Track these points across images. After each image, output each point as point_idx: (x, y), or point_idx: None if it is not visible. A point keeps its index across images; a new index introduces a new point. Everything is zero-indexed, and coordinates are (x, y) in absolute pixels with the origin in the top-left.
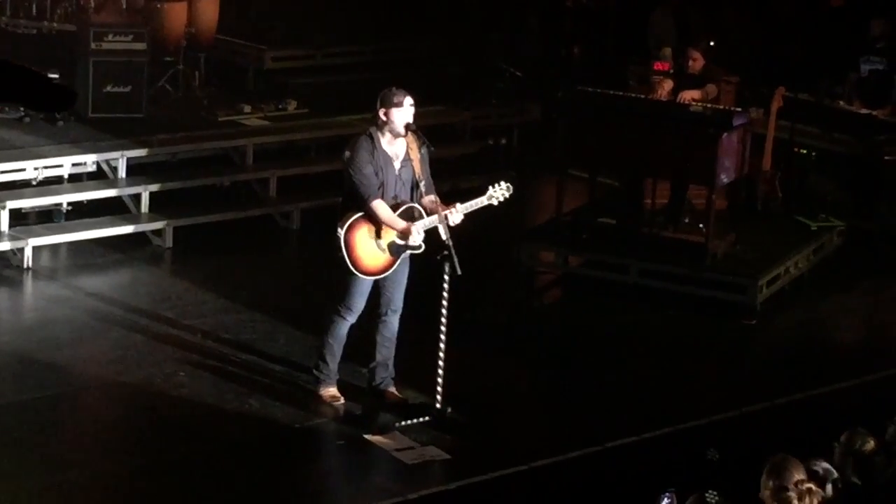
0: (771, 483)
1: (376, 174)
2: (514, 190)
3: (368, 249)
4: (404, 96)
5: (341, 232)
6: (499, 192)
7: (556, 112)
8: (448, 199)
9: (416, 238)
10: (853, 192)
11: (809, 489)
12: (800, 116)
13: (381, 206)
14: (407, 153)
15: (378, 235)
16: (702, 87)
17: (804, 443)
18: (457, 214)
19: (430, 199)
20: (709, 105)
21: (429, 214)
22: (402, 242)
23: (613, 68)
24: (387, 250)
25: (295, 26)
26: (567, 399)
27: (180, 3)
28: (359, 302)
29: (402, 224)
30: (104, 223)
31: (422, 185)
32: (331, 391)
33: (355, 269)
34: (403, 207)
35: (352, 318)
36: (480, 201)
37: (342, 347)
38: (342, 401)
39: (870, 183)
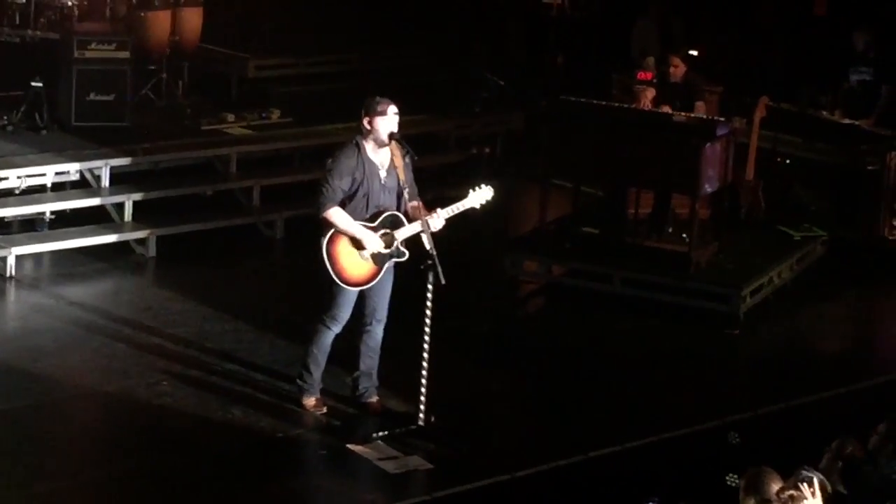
0: (752, 498)
1: (360, 184)
2: (497, 199)
3: (352, 260)
4: (388, 105)
5: (323, 243)
6: (480, 196)
7: (540, 121)
8: (432, 208)
9: (398, 246)
10: (836, 201)
11: (792, 496)
12: (783, 126)
13: (337, 214)
14: (392, 161)
15: (360, 246)
16: (683, 98)
17: (787, 453)
18: (438, 219)
19: (413, 205)
20: (692, 115)
21: (411, 221)
22: (385, 251)
23: (597, 78)
24: (370, 260)
25: (278, 35)
26: (550, 408)
27: (164, 12)
28: (344, 312)
29: (361, 232)
30: (87, 232)
31: (406, 192)
32: (314, 401)
33: (340, 280)
34: (385, 215)
35: (337, 329)
36: (462, 204)
37: (326, 357)
38: (325, 410)
39: (852, 193)
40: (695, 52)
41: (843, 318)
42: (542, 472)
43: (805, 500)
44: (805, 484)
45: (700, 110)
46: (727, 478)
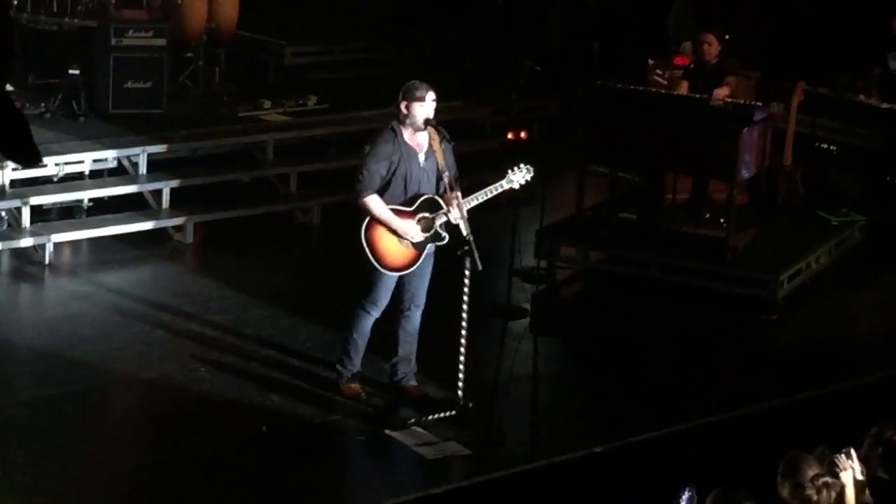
0: (787, 482)
1: (397, 169)
2: (534, 184)
3: (391, 245)
4: (427, 91)
5: (363, 229)
6: (518, 176)
7: (577, 107)
8: (470, 194)
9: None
10: (874, 186)
11: (826, 483)
12: (821, 111)
13: (374, 202)
14: (430, 145)
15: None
16: (720, 82)
17: (825, 438)
18: (476, 201)
19: (448, 194)
20: (730, 100)
21: (450, 204)
22: (425, 236)
23: (634, 63)
24: (410, 245)
25: (315, 21)
26: (588, 395)
27: None
28: (383, 297)
29: (397, 222)
30: (125, 219)
31: (445, 176)
32: (353, 386)
33: (380, 265)
34: (423, 198)
35: (376, 314)
36: (501, 185)
37: (366, 343)
38: (363, 396)
39: (891, 177)
40: (727, 37)
41: (881, 304)
42: (580, 458)
43: (837, 486)
44: (838, 468)
45: (733, 85)
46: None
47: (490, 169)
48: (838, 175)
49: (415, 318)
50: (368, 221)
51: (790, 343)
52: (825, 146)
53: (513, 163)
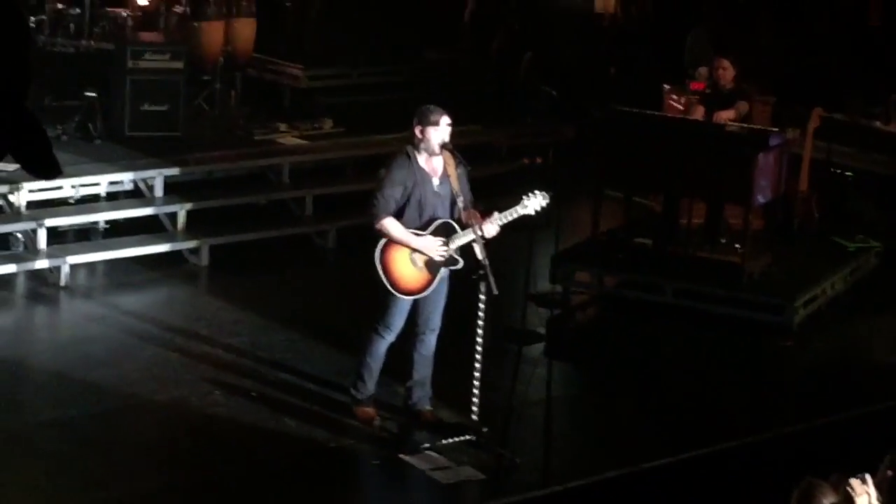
0: None
1: (412, 193)
2: (549, 209)
3: (406, 268)
4: (441, 115)
5: (377, 252)
6: (534, 202)
7: (592, 132)
8: (485, 217)
9: (453, 253)
10: (890, 212)
11: None
12: (837, 137)
13: (391, 225)
14: (445, 170)
15: (415, 254)
16: (733, 105)
17: (841, 465)
18: (492, 226)
19: (467, 213)
20: (745, 125)
21: (465, 229)
22: (440, 259)
23: (649, 88)
24: (424, 268)
25: (331, 46)
26: (603, 420)
27: (217, 23)
28: (398, 321)
29: (416, 241)
30: (141, 241)
31: (459, 200)
32: (367, 410)
33: (395, 289)
34: (438, 223)
35: (391, 338)
36: (516, 210)
37: (380, 367)
38: (377, 421)
39: None
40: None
41: None
42: (594, 483)
43: None
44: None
45: (743, 110)
46: None
47: (506, 194)
48: (854, 201)
49: (430, 341)
50: (384, 245)
51: (805, 369)
52: (841, 172)
53: (528, 188)
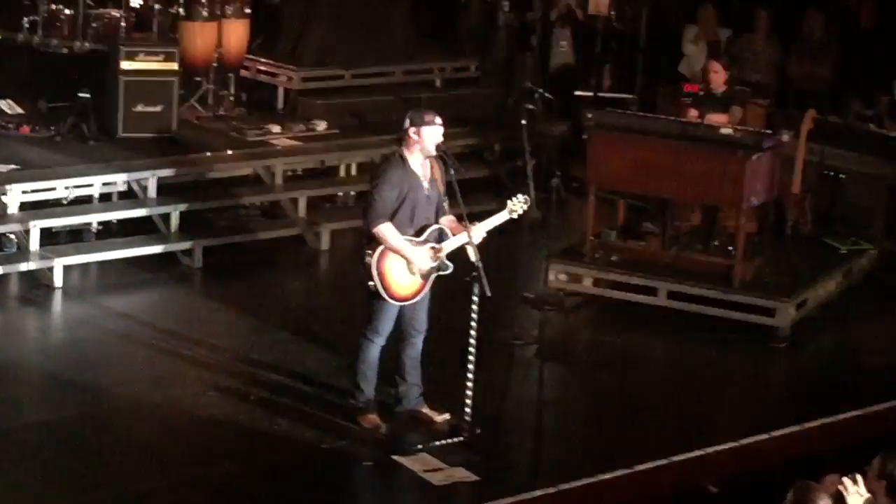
0: None
1: (406, 196)
2: (542, 211)
3: (401, 276)
4: (434, 116)
5: (372, 260)
6: (517, 206)
7: (586, 133)
8: (475, 221)
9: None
10: (883, 215)
11: None
12: (830, 139)
13: (388, 231)
14: (432, 173)
15: (410, 263)
16: (727, 110)
17: (834, 467)
18: (479, 231)
19: (449, 218)
20: (738, 127)
21: (453, 235)
22: (433, 265)
23: (643, 90)
24: (418, 275)
25: (324, 47)
26: (595, 421)
27: (211, 24)
28: (388, 325)
29: (410, 251)
30: (134, 243)
31: (444, 205)
32: (371, 417)
33: (388, 295)
34: (431, 229)
35: (381, 342)
36: (500, 216)
37: (375, 371)
38: (384, 428)
39: None
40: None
41: (890, 333)
42: (587, 485)
43: None
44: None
45: (737, 115)
46: None
47: (499, 196)
48: (847, 203)
49: (418, 343)
50: (380, 252)
51: (798, 371)
52: (834, 174)
53: (517, 191)
